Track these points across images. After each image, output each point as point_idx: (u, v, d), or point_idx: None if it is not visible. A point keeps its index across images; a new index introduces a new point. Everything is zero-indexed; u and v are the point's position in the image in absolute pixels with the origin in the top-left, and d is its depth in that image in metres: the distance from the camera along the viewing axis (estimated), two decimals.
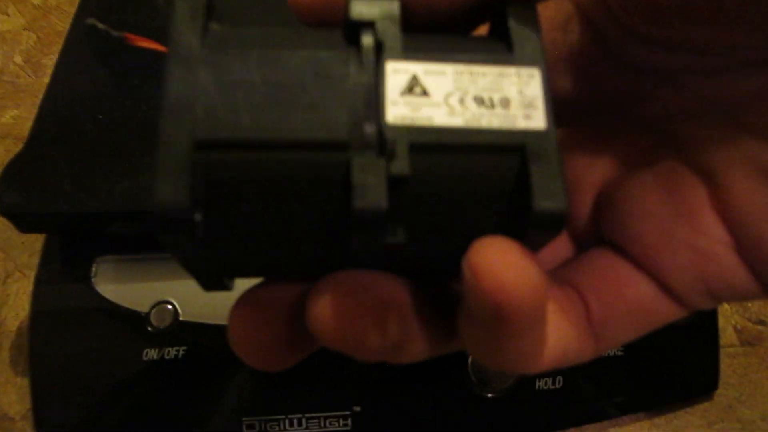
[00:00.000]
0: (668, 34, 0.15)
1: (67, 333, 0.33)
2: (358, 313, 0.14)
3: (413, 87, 0.13)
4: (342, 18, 0.14)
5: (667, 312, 0.16)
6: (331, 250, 0.14)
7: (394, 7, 0.14)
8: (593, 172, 0.18)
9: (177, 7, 0.13)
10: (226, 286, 0.16)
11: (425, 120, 0.13)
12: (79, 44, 0.38)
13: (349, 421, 0.33)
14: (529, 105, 0.13)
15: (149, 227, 0.12)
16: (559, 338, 0.16)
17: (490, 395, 0.35)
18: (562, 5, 0.17)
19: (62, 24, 0.50)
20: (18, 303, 0.39)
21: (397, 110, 0.13)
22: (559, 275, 0.17)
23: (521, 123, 0.13)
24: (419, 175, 0.13)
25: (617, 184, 0.17)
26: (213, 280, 0.15)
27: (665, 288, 0.16)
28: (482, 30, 0.16)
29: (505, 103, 0.13)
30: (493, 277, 0.12)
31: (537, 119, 0.13)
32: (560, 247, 0.19)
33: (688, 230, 0.16)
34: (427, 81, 0.13)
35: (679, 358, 0.37)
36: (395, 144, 0.12)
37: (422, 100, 0.13)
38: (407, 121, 0.13)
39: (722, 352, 0.38)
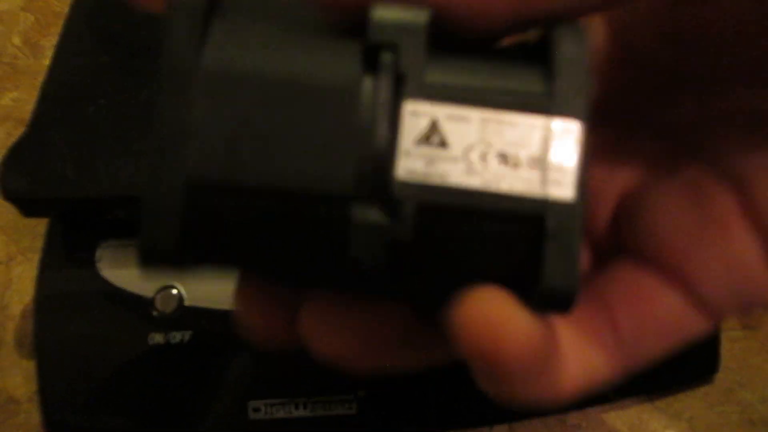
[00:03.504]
0: (696, 37, 0.14)
1: (73, 317, 0.33)
2: (357, 334, 0.14)
3: (431, 135, 0.12)
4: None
5: (696, 326, 0.16)
6: (323, 282, 0.14)
7: (421, 18, 0.12)
8: (614, 179, 0.17)
9: (173, 23, 0.12)
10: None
11: (438, 178, 0.12)
12: (80, 26, 0.37)
13: (354, 405, 0.33)
14: (558, 168, 0.12)
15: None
16: (584, 364, 0.15)
17: None
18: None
19: (60, 5, 0.49)
20: (21, 287, 0.39)
21: (410, 163, 0.12)
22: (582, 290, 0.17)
23: (546, 188, 0.12)
24: (423, 236, 0.12)
25: (640, 193, 0.17)
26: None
27: (696, 299, 0.15)
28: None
29: (532, 162, 0.12)
30: (480, 334, 0.12)
31: (565, 187, 0.12)
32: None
33: (719, 238, 0.15)
34: (447, 128, 0.12)
35: None
36: (402, 206, 0.12)
37: (439, 152, 0.12)
38: (419, 178, 0.12)
39: (723, 335, 0.38)
